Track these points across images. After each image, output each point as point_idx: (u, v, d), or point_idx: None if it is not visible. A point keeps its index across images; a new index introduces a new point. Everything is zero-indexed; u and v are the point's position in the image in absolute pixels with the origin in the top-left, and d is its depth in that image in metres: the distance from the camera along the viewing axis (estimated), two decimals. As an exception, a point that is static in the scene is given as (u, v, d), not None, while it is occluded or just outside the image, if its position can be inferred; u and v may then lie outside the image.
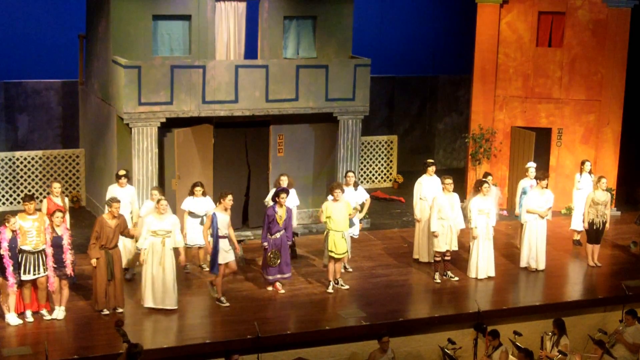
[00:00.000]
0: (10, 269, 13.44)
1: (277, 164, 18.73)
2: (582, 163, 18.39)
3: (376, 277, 16.43)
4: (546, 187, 16.90)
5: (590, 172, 18.21)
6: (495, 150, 20.80)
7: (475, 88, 20.90)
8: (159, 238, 14.24)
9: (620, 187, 21.26)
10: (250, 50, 18.93)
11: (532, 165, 18.05)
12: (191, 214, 15.86)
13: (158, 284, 14.29)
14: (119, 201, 14.29)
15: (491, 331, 13.85)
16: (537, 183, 17.01)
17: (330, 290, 15.58)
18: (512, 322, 15.02)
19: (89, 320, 14.02)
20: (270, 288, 15.55)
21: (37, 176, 19.62)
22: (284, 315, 14.71)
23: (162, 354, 13.15)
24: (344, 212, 15.49)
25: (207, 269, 16.23)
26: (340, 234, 15.44)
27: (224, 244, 14.58)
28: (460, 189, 19.12)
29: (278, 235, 15.21)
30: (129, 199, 15.59)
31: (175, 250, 14.47)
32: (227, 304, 14.79)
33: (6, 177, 19.39)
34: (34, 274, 13.64)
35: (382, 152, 22.97)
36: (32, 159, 19.64)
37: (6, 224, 13.47)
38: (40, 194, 19.14)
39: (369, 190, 17.37)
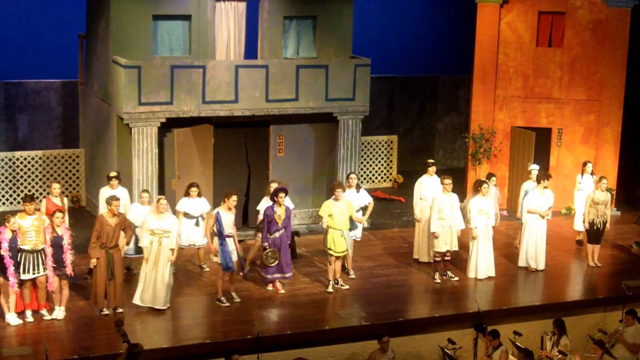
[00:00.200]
0: (11, 269, 13.44)
1: (277, 164, 18.74)
2: (584, 164, 18.36)
3: (376, 277, 16.43)
4: (546, 187, 16.91)
5: (592, 173, 18.16)
6: (495, 150, 20.80)
7: (475, 88, 20.90)
8: (156, 237, 14.23)
9: (620, 187, 21.26)
10: (250, 50, 18.93)
11: (535, 168, 18.03)
12: (186, 214, 15.86)
13: (149, 283, 14.29)
14: (118, 199, 14.28)
15: (491, 331, 13.85)
16: (538, 183, 17.01)
17: (330, 289, 15.58)
18: (512, 322, 15.02)
19: (89, 320, 14.02)
20: (270, 288, 15.55)
21: (37, 176, 19.62)
22: (284, 315, 14.71)
23: (162, 354, 13.15)
24: (345, 211, 15.49)
25: (207, 269, 16.28)
26: (340, 232, 15.44)
27: (229, 243, 14.60)
28: (460, 189, 19.13)
29: (277, 234, 15.22)
30: (122, 201, 15.51)
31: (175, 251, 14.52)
32: (227, 304, 14.79)
33: (6, 177, 19.39)
34: (33, 273, 13.64)
35: (382, 152, 22.97)
36: (32, 159, 19.63)
37: (6, 224, 13.47)
38: (41, 194, 19.14)
39: (369, 191, 17.34)
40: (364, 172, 22.72)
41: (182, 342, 13.45)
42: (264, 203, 15.89)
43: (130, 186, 16.97)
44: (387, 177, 23.03)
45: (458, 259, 16.95)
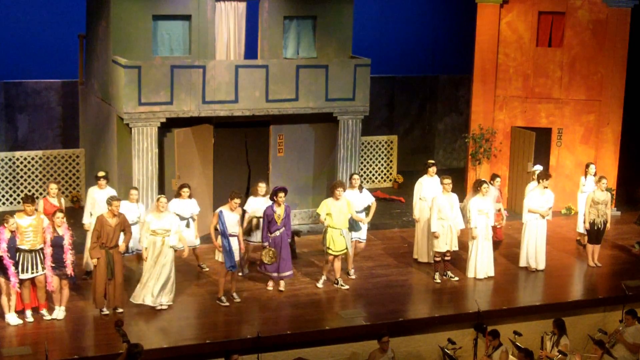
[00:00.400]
0: (12, 269, 13.44)
1: (277, 164, 18.75)
2: (587, 166, 18.31)
3: (376, 277, 16.43)
4: (546, 187, 16.91)
5: (595, 175, 18.07)
6: (495, 150, 20.79)
7: (475, 88, 20.90)
8: (159, 237, 14.24)
9: (620, 187, 21.26)
10: (250, 50, 18.93)
11: (538, 169, 18.02)
12: (177, 215, 15.81)
13: (152, 282, 14.29)
14: (119, 199, 14.29)
15: (491, 331, 13.85)
16: (539, 183, 17.01)
17: (320, 285, 15.61)
18: (512, 322, 15.01)
19: (89, 320, 14.03)
20: (270, 286, 15.54)
21: (37, 176, 19.62)
22: (284, 315, 14.71)
23: (162, 354, 13.15)
24: (344, 211, 15.49)
25: (207, 269, 16.28)
26: (339, 231, 15.45)
27: (233, 242, 14.61)
28: (460, 189, 19.13)
29: (277, 233, 15.23)
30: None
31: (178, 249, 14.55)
32: (227, 304, 14.79)
33: (6, 177, 19.39)
34: (32, 273, 13.64)
35: (382, 152, 22.97)
36: (32, 159, 19.64)
37: (5, 224, 13.47)
38: (40, 194, 19.13)
39: (369, 191, 17.33)
40: (364, 172, 22.71)
41: (182, 342, 13.44)
42: (252, 203, 15.94)
43: (130, 186, 16.94)
44: (387, 177, 23.03)
45: (458, 259, 16.95)
